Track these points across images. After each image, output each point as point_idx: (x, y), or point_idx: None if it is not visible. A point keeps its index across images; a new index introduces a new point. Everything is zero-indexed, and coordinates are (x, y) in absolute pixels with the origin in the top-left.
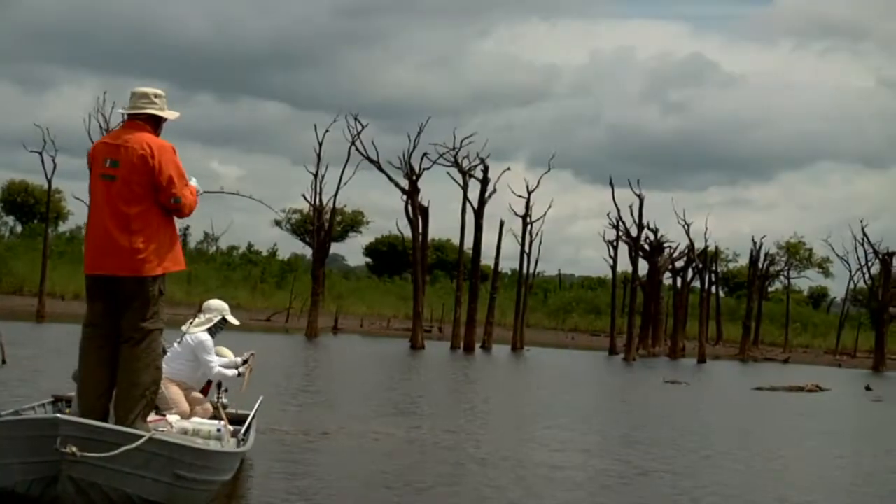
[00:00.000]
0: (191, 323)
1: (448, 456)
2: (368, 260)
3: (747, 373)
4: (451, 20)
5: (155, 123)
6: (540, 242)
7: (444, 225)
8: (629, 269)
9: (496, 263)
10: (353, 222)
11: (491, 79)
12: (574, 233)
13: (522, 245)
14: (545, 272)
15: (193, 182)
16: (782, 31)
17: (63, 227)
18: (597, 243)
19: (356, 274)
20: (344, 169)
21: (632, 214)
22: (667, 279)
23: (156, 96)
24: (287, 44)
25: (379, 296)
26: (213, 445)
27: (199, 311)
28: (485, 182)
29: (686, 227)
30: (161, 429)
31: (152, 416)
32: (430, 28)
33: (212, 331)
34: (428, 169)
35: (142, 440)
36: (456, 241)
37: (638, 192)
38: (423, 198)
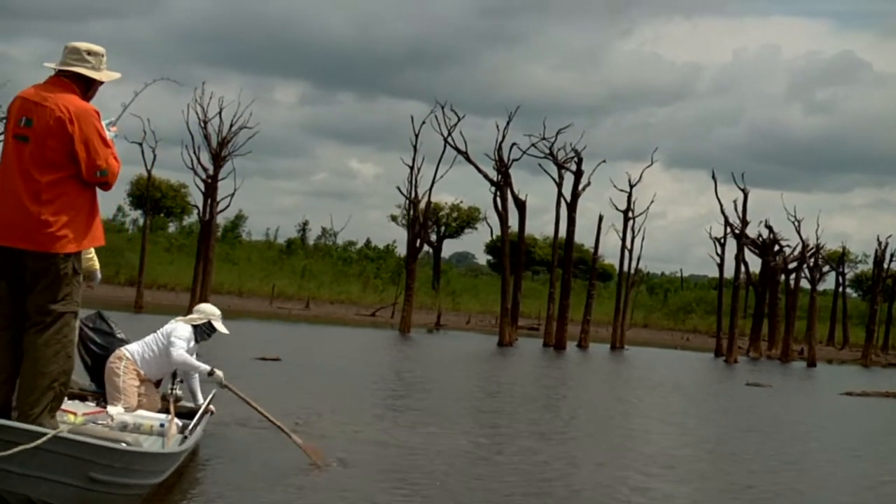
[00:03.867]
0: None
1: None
2: (489, 257)
3: (856, 378)
4: (592, 20)
5: (85, 85)
6: (643, 238)
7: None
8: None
9: (594, 260)
10: (469, 219)
11: (630, 78)
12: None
13: (623, 241)
14: (674, 272)
15: (109, 134)
16: None
17: (186, 221)
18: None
19: (481, 271)
20: (439, 163)
21: (735, 210)
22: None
23: (89, 53)
24: (427, 43)
25: (494, 293)
26: (151, 442)
27: (190, 312)
28: (578, 175)
29: (797, 225)
30: (100, 422)
31: (91, 408)
32: (571, 27)
33: (195, 331)
34: (517, 160)
35: (43, 438)
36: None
37: (742, 186)
38: (521, 192)
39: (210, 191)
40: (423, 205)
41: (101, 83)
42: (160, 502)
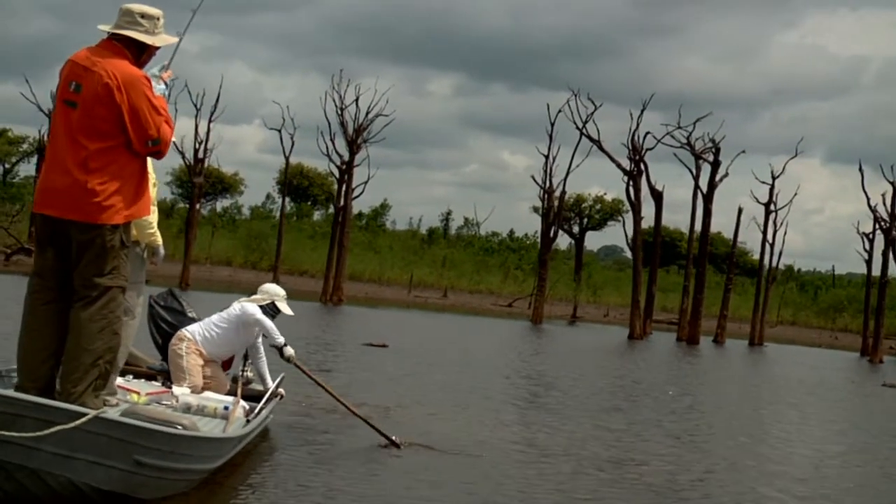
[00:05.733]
0: (241, 300)
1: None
2: None
3: None
4: (753, 11)
5: (138, 50)
6: (784, 233)
7: (716, 219)
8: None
9: (731, 253)
10: (613, 211)
11: (791, 71)
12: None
13: (764, 234)
14: (828, 270)
15: (156, 88)
16: None
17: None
18: (879, 239)
19: (628, 264)
20: (574, 153)
21: (884, 203)
22: None
23: (143, 16)
24: (582, 35)
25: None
26: (213, 426)
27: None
28: (715, 165)
29: None
30: (164, 402)
31: (157, 388)
32: (730, 19)
33: (263, 311)
34: (651, 149)
35: (83, 419)
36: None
37: (892, 179)
38: (657, 182)
39: (345, 177)
40: (557, 194)
41: (157, 48)
42: (218, 487)
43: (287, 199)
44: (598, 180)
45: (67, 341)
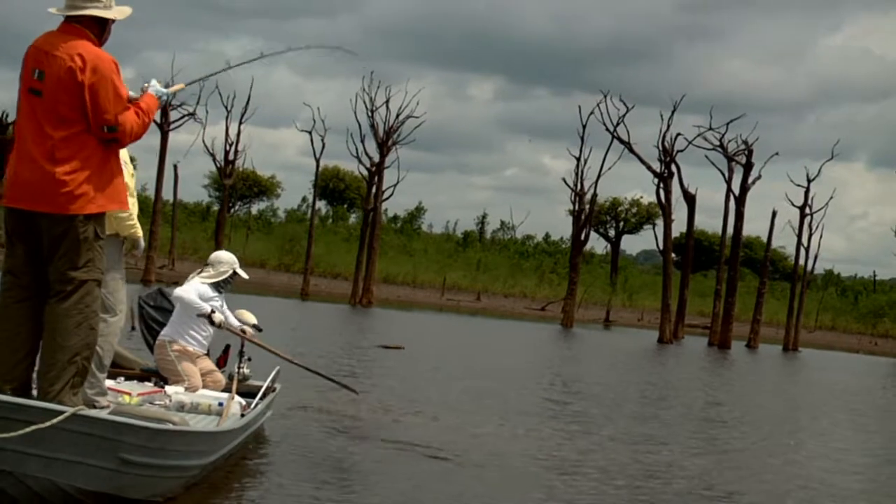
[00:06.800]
0: (198, 273)
1: None
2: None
3: None
4: (798, 14)
5: (99, 28)
6: (820, 236)
7: (754, 225)
8: None
9: (765, 257)
10: (650, 214)
11: (837, 73)
12: None
13: (799, 237)
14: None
15: (153, 86)
16: None
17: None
18: None
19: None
20: (606, 155)
21: None
22: None
23: None
24: (626, 39)
25: (674, 291)
26: (206, 423)
27: (206, 264)
28: (748, 168)
29: None
30: (157, 402)
31: (149, 388)
32: (774, 22)
33: (220, 285)
34: (682, 151)
35: (60, 417)
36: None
37: None
38: (693, 186)
39: (374, 179)
40: (588, 197)
41: (114, 22)
42: (211, 489)
43: (323, 202)
44: (637, 184)
45: (43, 338)
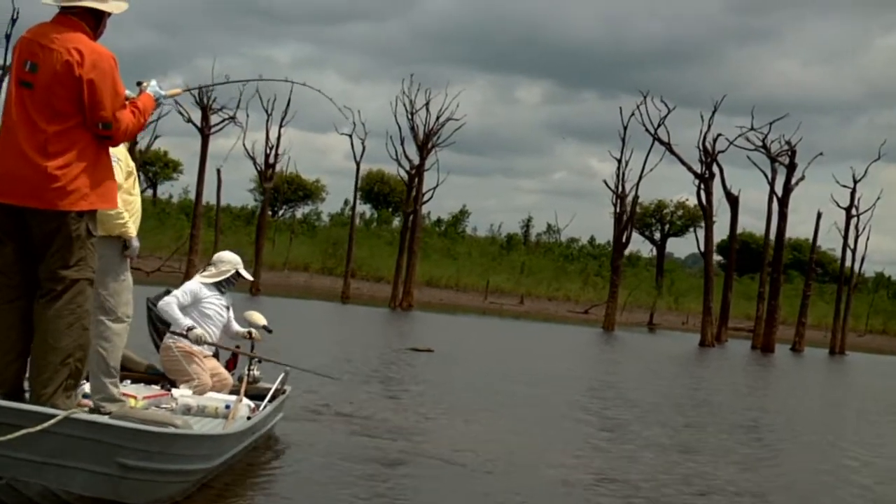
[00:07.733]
0: (200, 272)
1: None
2: (720, 257)
3: None
4: (851, 14)
5: (95, 21)
6: (867, 237)
7: (803, 228)
8: None
9: (811, 259)
10: (696, 217)
11: (890, 74)
12: None
13: (845, 239)
14: None
15: (152, 86)
16: None
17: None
18: None
19: (714, 272)
20: (647, 156)
21: None
22: None
23: None
24: (676, 41)
25: (717, 294)
26: (212, 426)
27: (209, 263)
28: (791, 168)
29: None
30: (163, 405)
31: (155, 391)
32: (827, 22)
33: (222, 285)
34: (723, 152)
35: (52, 421)
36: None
37: None
38: (737, 188)
39: (414, 182)
40: (630, 199)
41: (109, 15)
42: (216, 494)
43: (368, 206)
44: (683, 187)
45: (34, 340)
